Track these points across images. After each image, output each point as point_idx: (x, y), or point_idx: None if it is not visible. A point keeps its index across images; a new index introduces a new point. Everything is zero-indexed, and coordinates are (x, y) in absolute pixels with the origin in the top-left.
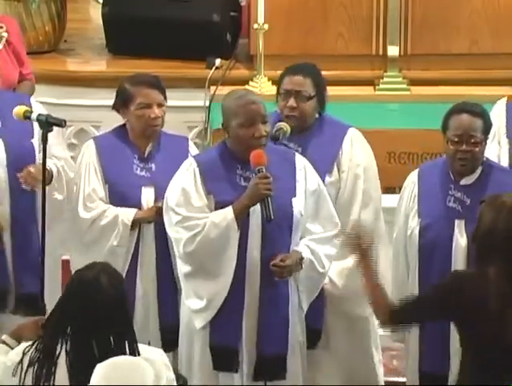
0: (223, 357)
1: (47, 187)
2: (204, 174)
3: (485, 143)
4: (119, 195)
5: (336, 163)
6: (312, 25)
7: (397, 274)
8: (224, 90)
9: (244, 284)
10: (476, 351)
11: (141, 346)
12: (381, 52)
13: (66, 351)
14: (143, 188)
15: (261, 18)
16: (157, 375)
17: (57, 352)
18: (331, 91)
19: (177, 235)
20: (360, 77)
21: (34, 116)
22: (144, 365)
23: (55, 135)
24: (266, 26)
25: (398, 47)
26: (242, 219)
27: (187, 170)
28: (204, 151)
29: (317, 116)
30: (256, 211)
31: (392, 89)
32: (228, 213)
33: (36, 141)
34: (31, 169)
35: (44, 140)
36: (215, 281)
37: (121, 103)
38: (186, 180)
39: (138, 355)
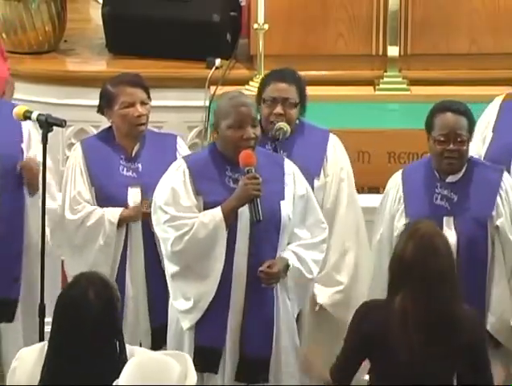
0: (207, 358)
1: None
2: (194, 175)
3: (470, 141)
4: (106, 196)
5: (323, 168)
6: (312, 25)
7: (380, 275)
8: (224, 90)
9: (230, 285)
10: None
11: (136, 349)
12: (381, 52)
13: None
14: (129, 188)
15: (261, 18)
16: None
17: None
18: (331, 91)
19: (165, 234)
20: (360, 77)
21: (34, 116)
22: (171, 362)
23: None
24: (266, 26)
25: (398, 47)
26: (231, 220)
27: (177, 170)
28: (194, 152)
29: (297, 122)
30: (244, 212)
31: (392, 89)
32: (216, 213)
33: (25, 145)
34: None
35: (44, 140)
36: (202, 282)
37: (105, 104)
38: (175, 180)
39: (125, 356)
